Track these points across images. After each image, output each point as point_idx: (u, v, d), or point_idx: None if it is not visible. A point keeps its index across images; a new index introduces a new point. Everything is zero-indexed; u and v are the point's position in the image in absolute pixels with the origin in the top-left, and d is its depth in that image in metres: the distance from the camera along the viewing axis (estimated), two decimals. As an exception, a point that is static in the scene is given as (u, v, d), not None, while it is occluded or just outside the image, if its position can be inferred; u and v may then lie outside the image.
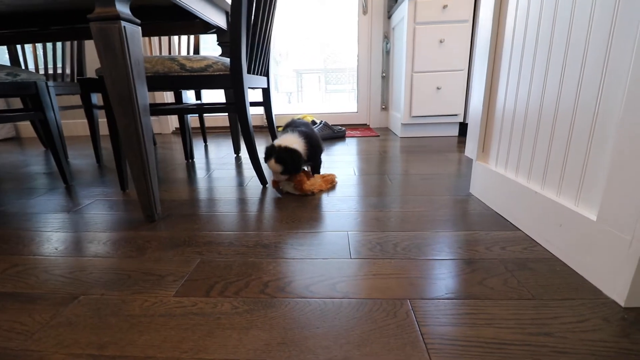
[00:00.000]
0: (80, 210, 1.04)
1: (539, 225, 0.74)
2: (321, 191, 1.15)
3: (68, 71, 1.94)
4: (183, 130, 1.68)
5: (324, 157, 1.71)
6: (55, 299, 0.60)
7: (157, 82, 1.06)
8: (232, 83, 1.09)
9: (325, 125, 2.28)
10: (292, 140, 1.08)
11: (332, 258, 0.71)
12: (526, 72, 0.79)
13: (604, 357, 0.44)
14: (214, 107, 1.18)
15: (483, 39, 0.96)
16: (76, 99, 2.72)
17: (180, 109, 1.19)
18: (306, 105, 3.79)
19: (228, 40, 1.52)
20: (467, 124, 2.21)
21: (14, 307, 0.58)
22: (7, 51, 1.89)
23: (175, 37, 2.00)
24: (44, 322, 0.54)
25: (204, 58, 1.09)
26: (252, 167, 1.49)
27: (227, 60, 1.13)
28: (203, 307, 0.57)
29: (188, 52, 1.94)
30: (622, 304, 0.53)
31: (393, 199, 1.05)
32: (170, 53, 1.98)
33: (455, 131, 2.26)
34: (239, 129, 1.80)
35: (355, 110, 2.87)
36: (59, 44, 1.91)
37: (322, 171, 1.30)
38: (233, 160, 1.70)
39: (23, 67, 1.94)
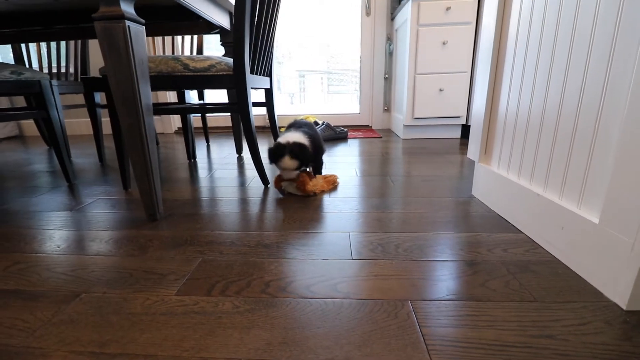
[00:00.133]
0: (83, 208, 1.04)
1: (541, 227, 0.74)
2: (323, 192, 1.15)
3: (72, 70, 1.95)
4: (185, 130, 1.69)
5: (325, 157, 1.71)
6: (57, 296, 0.60)
7: (160, 81, 1.06)
8: (235, 83, 1.09)
9: (328, 126, 2.28)
10: (298, 137, 1.08)
11: (333, 258, 0.71)
12: (529, 75, 0.79)
13: (606, 360, 0.44)
14: (216, 107, 1.18)
15: (486, 41, 0.96)
16: (80, 98, 2.73)
17: (183, 109, 1.20)
18: (309, 106, 3.79)
19: (231, 40, 1.52)
20: (469, 126, 2.21)
21: (16, 305, 0.58)
22: (11, 50, 1.90)
23: (179, 37, 2.01)
24: (45, 320, 0.54)
25: (207, 58, 1.09)
26: (254, 167, 1.50)
27: (230, 60, 1.13)
28: (204, 306, 0.57)
29: (191, 52, 1.95)
30: (624, 307, 0.53)
31: (395, 201, 1.05)
32: (173, 53, 1.99)
33: (457, 133, 2.26)
34: (242, 129, 1.80)
35: (358, 112, 2.87)
36: (63, 43, 1.91)
37: (324, 172, 1.30)
38: (235, 160, 1.70)
39: (27, 66, 1.95)
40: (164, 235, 0.84)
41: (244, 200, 1.09)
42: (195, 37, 1.93)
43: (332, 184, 1.20)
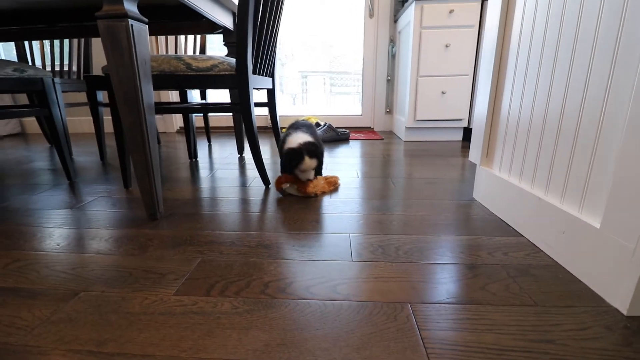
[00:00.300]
0: (83, 207, 1.04)
1: (542, 231, 0.74)
2: (324, 193, 1.15)
3: (75, 68, 1.95)
4: (187, 130, 1.69)
5: (327, 159, 1.71)
6: (56, 294, 0.60)
7: (163, 81, 1.06)
8: (238, 83, 1.09)
9: (330, 127, 2.28)
10: (306, 137, 1.09)
11: (333, 260, 0.71)
12: (531, 78, 0.79)
13: (606, 366, 0.44)
14: (218, 107, 1.18)
15: (489, 44, 0.96)
16: (82, 96, 2.73)
17: (185, 108, 1.20)
18: (311, 107, 3.79)
19: (234, 40, 1.52)
20: (471, 129, 2.21)
21: (14, 302, 0.58)
22: (14, 47, 1.90)
23: (182, 37, 2.01)
24: (44, 318, 0.54)
25: (210, 58, 1.09)
26: (255, 167, 1.50)
27: (233, 60, 1.13)
28: (203, 306, 0.57)
29: (194, 52, 1.95)
30: (625, 312, 0.53)
31: (396, 203, 1.05)
32: (176, 52, 1.99)
33: (459, 136, 2.26)
34: (243, 130, 1.80)
35: (360, 113, 2.87)
36: (66, 41, 1.92)
37: (325, 173, 1.30)
38: (236, 160, 1.70)
39: (30, 64, 1.95)
40: (164, 235, 0.84)
41: (244, 201, 1.09)
42: (199, 36, 1.93)
43: (333, 185, 1.20)
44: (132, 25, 0.78)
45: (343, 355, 0.46)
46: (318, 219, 0.93)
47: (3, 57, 2.90)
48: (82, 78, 1.95)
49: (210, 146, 2.14)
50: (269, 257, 0.73)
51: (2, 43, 2.81)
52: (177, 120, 2.92)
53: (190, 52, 1.97)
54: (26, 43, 1.94)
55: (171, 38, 2.00)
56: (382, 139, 2.37)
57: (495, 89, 0.96)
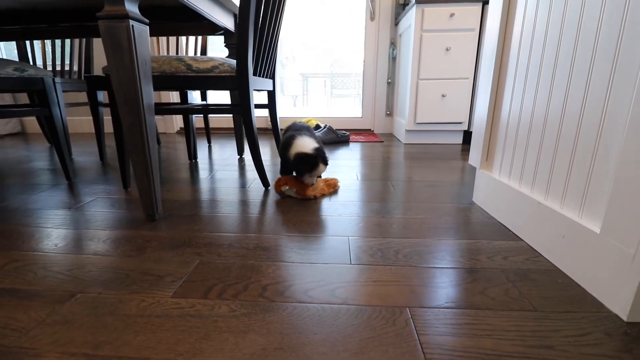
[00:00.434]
0: (82, 207, 1.04)
1: (542, 236, 0.73)
2: (323, 195, 1.15)
3: (75, 68, 1.95)
4: (187, 130, 1.69)
5: (327, 161, 1.70)
6: (53, 296, 0.60)
7: (163, 81, 1.06)
8: (238, 85, 1.09)
9: (330, 129, 2.28)
10: (312, 141, 1.10)
11: (332, 263, 0.71)
12: (532, 82, 0.79)
13: (606, 373, 0.43)
14: (218, 108, 1.18)
15: (489, 48, 0.96)
16: (83, 96, 2.73)
17: (185, 109, 1.20)
18: (311, 109, 3.79)
19: (235, 42, 1.52)
20: (471, 132, 2.21)
21: (10, 304, 0.57)
22: (16, 47, 1.90)
23: (183, 38, 2.01)
24: (40, 320, 0.53)
25: (211, 59, 1.09)
26: (255, 169, 1.50)
27: (234, 61, 1.13)
28: (200, 309, 0.56)
29: (195, 53, 1.95)
30: (625, 318, 0.52)
31: (395, 206, 1.05)
32: (177, 53, 1.99)
33: (459, 139, 2.26)
34: (243, 131, 1.80)
35: (360, 116, 2.87)
36: (67, 41, 1.92)
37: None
38: (236, 162, 1.70)
39: (31, 63, 1.95)
40: (162, 236, 0.84)
41: (243, 202, 1.09)
42: (200, 38, 1.93)
43: (332, 188, 1.19)
44: (132, 25, 0.78)
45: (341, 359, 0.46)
46: (317, 221, 0.93)
47: (4, 57, 2.91)
48: (82, 78, 1.95)
49: (210, 147, 2.14)
50: (267, 259, 0.72)
51: (3, 42, 2.81)
52: (178, 121, 2.92)
53: (191, 53, 1.97)
54: (27, 42, 1.94)
55: (172, 39, 2.00)
56: (382, 141, 2.37)
57: (496, 93, 0.96)
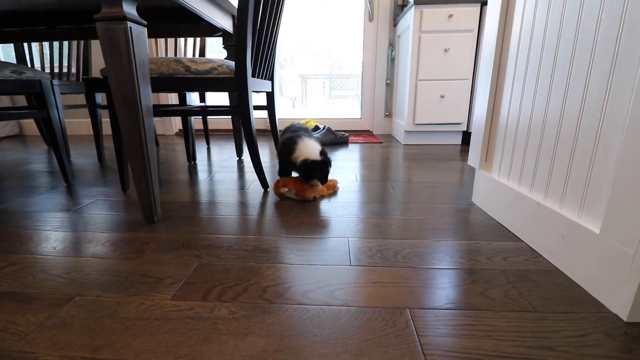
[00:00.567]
0: (80, 209, 1.04)
1: (541, 236, 0.73)
2: (322, 196, 1.15)
3: (74, 70, 1.95)
4: (186, 132, 1.68)
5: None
6: (51, 299, 0.59)
7: (161, 83, 1.06)
8: (237, 86, 1.09)
9: (329, 130, 2.28)
10: (316, 145, 1.11)
11: (331, 264, 0.71)
12: (530, 83, 0.79)
13: (607, 374, 0.43)
14: (217, 110, 1.18)
15: (488, 48, 0.96)
16: (81, 98, 2.73)
17: (184, 111, 1.20)
18: (310, 110, 3.80)
19: (234, 43, 1.53)
20: (470, 132, 2.21)
21: (9, 307, 0.57)
22: (14, 49, 1.90)
23: (181, 39, 2.01)
24: (38, 323, 0.53)
25: (209, 60, 1.09)
26: (254, 170, 1.49)
27: (232, 63, 1.13)
28: (200, 311, 0.56)
29: (194, 55, 1.95)
30: (625, 318, 0.52)
31: (395, 207, 1.05)
32: (175, 55, 1.99)
33: (458, 140, 2.26)
34: (242, 132, 1.80)
35: (359, 117, 2.87)
36: (65, 43, 1.92)
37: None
38: (235, 164, 1.70)
39: (29, 65, 1.95)
40: (161, 238, 0.83)
41: (243, 204, 1.08)
42: (198, 39, 1.93)
43: (332, 189, 1.19)
44: (130, 27, 0.78)
45: (341, 361, 0.45)
46: (316, 222, 0.93)
47: (2, 59, 2.90)
48: (80, 80, 1.95)
49: (209, 149, 2.14)
50: (266, 261, 0.72)
51: (1, 45, 2.80)
52: (176, 122, 2.92)
53: (189, 54, 1.97)
54: (25, 45, 1.94)
55: (171, 41, 2.00)
56: (381, 142, 2.37)
57: (495, 93, 0.96)
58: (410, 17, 2.06)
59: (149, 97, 0.87)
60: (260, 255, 0.75)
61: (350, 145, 2.25)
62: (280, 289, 0.62)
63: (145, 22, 0.83)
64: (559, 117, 0.69)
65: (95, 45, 2.57)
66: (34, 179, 1.41)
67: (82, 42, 1.89)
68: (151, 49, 2.04)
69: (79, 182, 1.34)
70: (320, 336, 0.50)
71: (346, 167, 1.60)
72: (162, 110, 1.14)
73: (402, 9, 2.46)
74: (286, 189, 1.11)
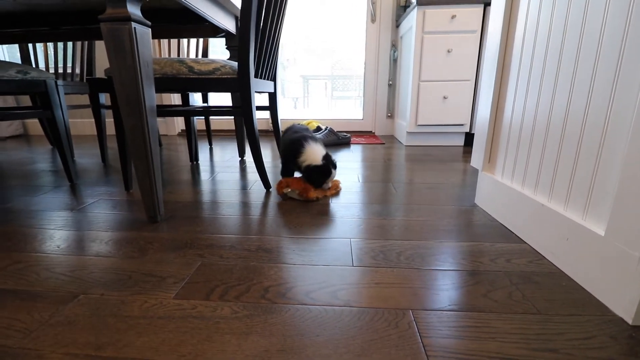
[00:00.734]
0: (84, 209, 1.04)
1: (545, 238, 0.73)
2: (325, 196, 1.15)
3: (78, 71, 1.96)
4: (189, 132, 1.69)
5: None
6: (55, 297, 0.60)
7: (165, 83, 1.07)
8: (239, 86, 1.09)
9: (331, 131, 2.28)
10: (321, 149, 1.13)
11: (334, 265, 0.70)
12: (535, 84, 0.79)
13: (611, 377, 0.43)
14: (220, 110, 1.18)
15: (492, 49, 0.96)
16: (85, 99, 2.74)
17: (186, 111, 1.20)
18: (312, 110, 3.80)
19: (237, 44, 1.53)
20: (473, 134, 2.21)
21: (13, 305, 0.57)
22: (18, 49, 1.91)
23: (185, 40, 2.02)
24: (42, 321, 0.53)
25: (212, 61, 1.10)
26: (256, 171, 1.50)
27: (235, 64, 1.13)
28: (203, 310, 0.56)
29: (197, 55, 1.96)
30: (630, 321, 0.52)
31: (397, 208, 1.05)
32: (179, 55, 2.00)
33: (461, 141, 2.25)
34: (245, 133, 1.80)
35: (361, 118, 2.87)
36: (69, 44, 1.93)
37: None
38: (237, 164, 1.70)
39: (34, 66, 1.96)
40: (164, 238, 0.84)
41: (245, 204, 1.08)
42: (201, 40, 1.94)
43: (334, 189, 1.19)
44: (135, 28, 0.78)
45: (344, 362, 0.45)
46: (319, 223, 0.93)
47: (7, 59, 2.92)
48: (84, 80, 1.96)
49: (211, 149, 2.14)
50: (269, 261, 0.72)
51: (6, 45, 2.82)
52: (179, 123, 2.93)
53: (192, 55, 1.98)
54: (30, 45, 1.95)
55: (174, 41, 2.01)
56: (383, 143, 2.37)
57: (498, 94, 0.95)
58: (412, 17, 2.05)
59: (152, 97, 0.87)
60: (262, 255, 0.75)
61: (352, 146, 2.25)
62: (282, 289, 0.62)
63: (149, 23, 0.83)
64: (564, 117, 0.69)
65: (99, 46, 2.59)
66: (38, 178, 1.41)
67: (86, 42, 1.90)
68: (154, 50, 2.05)
69: (83, 182, 1.35)
70: (323, 336, 0.50)
71: (348, 168, 1.60)
72: (165, 111, 1.14)
73: (405, 10, 2.46)
74: (289, 190, 1.11)
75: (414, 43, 2.03)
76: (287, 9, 1.38)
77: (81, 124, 2.91)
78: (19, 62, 2.01)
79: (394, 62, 2.67)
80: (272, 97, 1.59)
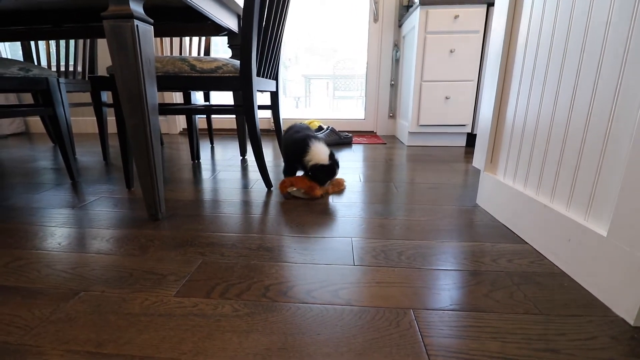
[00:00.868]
0: (85, 206, 1.04)
1: (547, 238, 0.73)
2: (327, 193, 1.16)
3: (80, 69, 1.96)
4: (190, 131, 1.69)
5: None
6: (56, 294, 0.60)
7: (167, 81, 1.07)
8: (241, 85, 1.09)
9: (332, 131, 2.28)
10: (325, 148, 1.14)
11: (335, 264, 0.70)
12: (538, 84, 0.79)
13: (613, 378, 0.43)
14: (222, 109, 1.18)
15: (494, 49, 0.96)
16: (87, 97, 2.75)
17: (188, 110, 1.20)
18: (314, 110, 3.80)
19: (239, 43, 1.53)
20: (474, 134, 2.20)
21: (14, 301, 0.58)
22: (20, 47, 1.91)
23: (187, 38, 2.02)
24: (43, 317, 0.53)
25: (215, 59, 1.10)
26: (257, 170, 1.49)
27: (237, 62, 1.13)
28: (203, 308, 0.56)
29: (199, 53, 1.96)
30: (632, 322, 0.52)
31: (398, 207, 1.05)
32: (181, 54, 2.00)
33: (462, 141, 2.25)
34: (246, 132, 1.80)
35: (363, 117, 2.87)
36: (71, 42, 1.93)
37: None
38: (239, 163, 1.70)
39: (36, 63, 1.96)
40: (165, 236, 0.84)
41: (246, 203, 1.08)
42: (203, 38, 1.94)
43: (338, 187, 1.20)
44: (137, 25, 0.78)
45: (344, 361, 0.45)
46: (320, 222, 0.93)
47: (9, 56, 2.92)
48: (86, 78, 1.96)
49: (213, 148, 2.14)
50: (270, 259, 0.72)
51: (8, 42, 2.82)
52: (181, 121, 2.93)
53: (194, 53, 1.98)
54: (32, 43, 1.95)
55: (176, 40, 2.01)
56: (385, 143, 2.37)
57: (501, 95, 0.95)
58: (415, 17, 2.05)
59: (154, 95, 0.87)
60: (263, 254, 0.75)
61: (353, 146, 2.24)
62: (283, 288, 0.62)
63: (152, 21, 0.83)
64: (567, 118, 0.68)
65: (101, 44, 2.59)
66: (40, 175, 1.41)
67: (89, 40, 1.90)
68: (156, 48, 2.05)
69: (84, 180, 1.35)
70: (324, 335, 0.50)
71: (350, 168, 1.60)
72: (167, 109, 1.14)
73: (408, 10, 2.46)
74: (294, 189, 1.11)
75: (417, 43, 2.02)
76: (290, 8, 1.38)
77: (83, 121, 2.91)
78: (21, 59, 2.01)
79: (396, 62, 2.67)
80: (274, 96, 1.59)
